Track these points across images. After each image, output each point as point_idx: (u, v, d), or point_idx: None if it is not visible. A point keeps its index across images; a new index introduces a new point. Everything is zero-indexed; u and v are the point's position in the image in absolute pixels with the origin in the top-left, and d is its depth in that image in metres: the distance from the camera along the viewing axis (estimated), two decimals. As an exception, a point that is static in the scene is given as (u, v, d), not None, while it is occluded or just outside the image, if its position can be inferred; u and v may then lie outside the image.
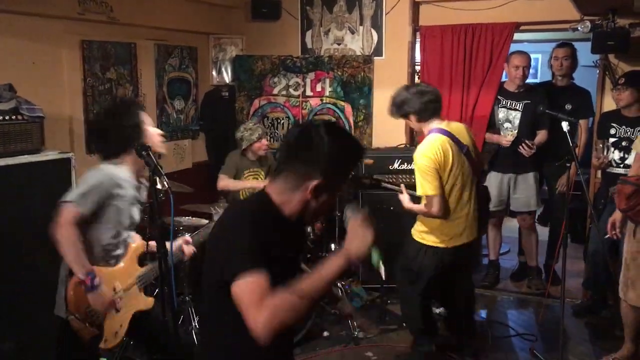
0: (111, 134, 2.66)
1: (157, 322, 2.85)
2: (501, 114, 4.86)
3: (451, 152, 3.43)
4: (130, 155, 2.65)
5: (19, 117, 3.32)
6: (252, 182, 4.62)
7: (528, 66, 4.77)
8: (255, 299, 1.56)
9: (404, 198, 3.67)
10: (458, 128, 3.60)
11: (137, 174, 2.73)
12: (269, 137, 5.63)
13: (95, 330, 2.56)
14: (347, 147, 1.81)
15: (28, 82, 3.70)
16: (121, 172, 2.65)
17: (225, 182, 4.54)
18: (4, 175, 3.17)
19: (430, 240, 3.60)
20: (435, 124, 3.51)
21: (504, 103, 4.86)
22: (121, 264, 2.74)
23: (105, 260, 2.68)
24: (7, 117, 3.24)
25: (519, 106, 4.79)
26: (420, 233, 3.65)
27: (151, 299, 2.86)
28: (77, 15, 4.09)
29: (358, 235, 1.70)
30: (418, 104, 3.48)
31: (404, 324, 4.18)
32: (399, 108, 3.55)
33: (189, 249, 3.03)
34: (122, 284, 2.70)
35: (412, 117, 3.54)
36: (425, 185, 3.41)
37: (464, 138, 3.56)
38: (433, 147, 3.41)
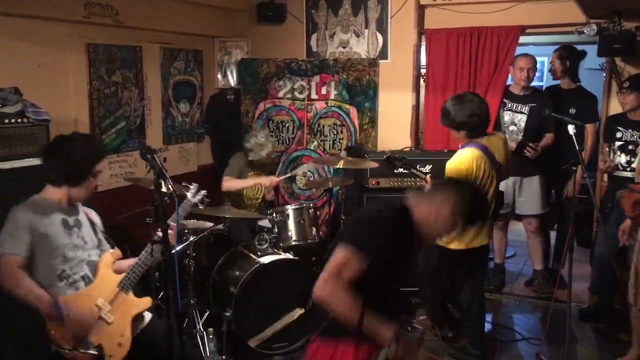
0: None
1: (157, 328, 2.84)
2: (507, 116, 4.85)
3: (483, 168, 3.53)
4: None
5: (25, 120, 3.33)
6: (255, 179, 4.63)
7: (533, 68, 4.75)
8: (336, 272, 2.04)
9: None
10: (496, 142, 3.67)
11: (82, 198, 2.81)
12: (274, 140, 5.64)
13: (92, 353, 2.56)
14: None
15: (34, 85, 3.71)
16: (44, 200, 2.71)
17: (229, 183, 4.56)
18: (9, 178, 3.18)
19: (447, 242, 3.65)
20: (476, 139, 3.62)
21: (509, 106, 4.84)
22: (94, 281, 2.74)
23: (70, 286, 2.68)
24: (12, 120, 3.25)
25: (525, 109, 4.77)
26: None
27: (147, 299, 2.85)
28: (82, 19, 4.10)
29: (410, 347, 2.07)
30: (471, 125, 3.58)
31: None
32: (451, 122, 3.64)
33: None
34: (103, 298, 2.70)
35: (462, 133, 3.63)
36: None
37: (499, 153, 3.65)
38: (464, 162, 3.51)
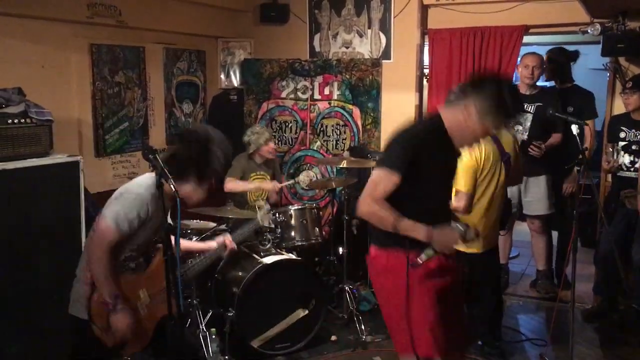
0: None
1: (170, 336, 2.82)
2: None
3: (492, 158, 3.53)
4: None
5: (28, 120, 3.33)
6: (258, 184, 4.63)
7: (538, 66, 4.72)
8: (369, 191, 2.34)
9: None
10: (507, 137, 3.68)
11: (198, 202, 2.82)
12: (276, 141, 5.64)
13: (117, 339, 2.52)
14: None
15: (37, 86, 3.72)
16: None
17: (232, 185, 4.55)
18: (12, 179, 3.18)
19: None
20: None
21: None
22: (148, 270, 2.69)
23: (123, 267, 2.63)
24: (16, 121, 3.26)
25: (531, 108, 4.75)
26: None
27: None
28: (86, 19, 4.12)
29: (446, 238, 2.35)
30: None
31: None
32: None
33: (231, 244, 3.16)
34: (147, 291, 2.66)
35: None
36: (461, 181, 3.49)
37: (509, 147, 3.66)
38: (480, 148, 3.51)
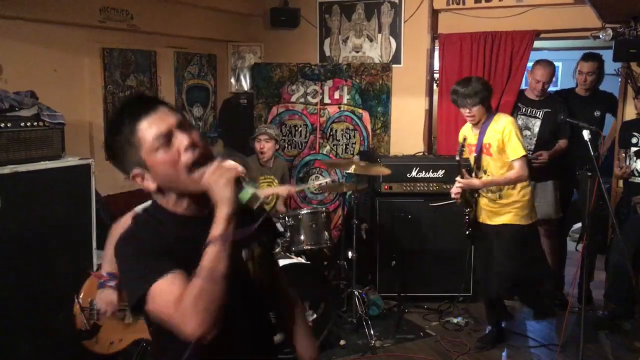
0: None
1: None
2: (520, 121, 4.81)
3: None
4: None
5: (40, 123, 3.35)
6: (272, 189, 4.63)
7: (549, 82, 4.69)
8: (175, 302, 1.38)
9: (473, 181, 3.85)
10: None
11: None
12: (286, 145, 5.65)
13: (86, 325, 2.61)
14: None
15: (50, 89, 3.75)
16: None
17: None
18: (25, 181, 3.20)
19: (529, 218, 3.92)
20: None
21: (523, 110, 4.81)
22: None
23: None
24: (28, 124, 3.28)
25: (539, 114, 4.73)
26: (522, 216, 3.87)
27: None
28: (98, 24, 4.14)
29: (214, 185, 1.43)
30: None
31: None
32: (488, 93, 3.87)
33: None
34: None
35: (485, 106, 3.84)
36: (519, 148, 3.69)
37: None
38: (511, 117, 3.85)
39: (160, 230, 1.54)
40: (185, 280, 1.39)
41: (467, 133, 4.01)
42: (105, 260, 2.60)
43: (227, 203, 1.41)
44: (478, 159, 3.92)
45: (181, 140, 1.48)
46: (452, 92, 3.90)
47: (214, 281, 1.37)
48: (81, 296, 2.64)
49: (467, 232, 4.03)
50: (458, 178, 3.84)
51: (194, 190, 1.49)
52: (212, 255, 1.39)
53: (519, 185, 3.84)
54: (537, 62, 4.72)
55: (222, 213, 1.41)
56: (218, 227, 1.41)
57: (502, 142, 3.74)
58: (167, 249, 1.46)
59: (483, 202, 3.97)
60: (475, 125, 3.91)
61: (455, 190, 3.87)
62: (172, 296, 1.38)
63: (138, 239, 1.53)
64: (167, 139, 1.48)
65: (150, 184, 1.53)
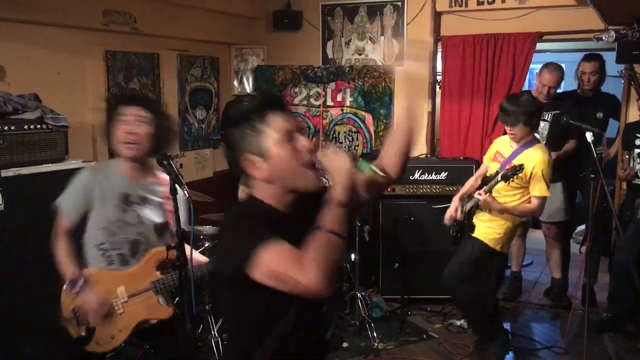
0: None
1: (183, 342, 2.79)
2: None
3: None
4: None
5: (44, 126, 3.36)
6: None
7: (556, 87, 4.69)
8: (293, 260, 1.50)
9: (494, 203, 3.71)
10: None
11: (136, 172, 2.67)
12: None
13: (80, 331, 2.58)
14: None
15: (53, 92, 3.76)
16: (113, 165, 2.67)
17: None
18: (28, 184, 3.21)
19: (502, 246, 3.81)
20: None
21: None
22: (132, 268, 2.65)
23: (105, 260, 2.64)
24: (32, 127, 3.29)
25: (547, 117, 4.72)
26: (497, 240, 3.79)
27: (169, 309, 2.72)
28: (101, 27, 4.16)
29: (334, 169, 1.58)
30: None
31: (471, 329, 4.29)
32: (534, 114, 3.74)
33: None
34: (129, 288, 2.62)
35: (529, 128, 3.73)
36: (544, 189, 3.67)
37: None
38: (548, 152, 3.75)
39: (270, 212, 1.67)
40: (296, 249, 1.52)
41: (504, 144, 3.90)
42: (64, 269, 2.60)
43: (346, 174, 1.55)
44: (499, 172, 3.75)
45: (303, 141, 1.66)
46: (499, 107, 3.80)
47: (335, 240, 1.51)
48: (62, 308, 2.61)
49: (455, 235, 3.99)
50: (481, 192, 3.68)
51: (300, 187, 1.66)
52: (334, 217, 1.52)
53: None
54: (545, 65, 4.71)
55: (341, 183, 1.54)
56: (338, 194, 1.54)
57: (529, 175, 3.63)
58: (276, 229, 1.57)
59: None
60: (514, 142, 3.80)
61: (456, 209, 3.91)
62: (290, 255, 1.50)
63: (253, 213, 1.68)
64: (291, 136, 1.64)
65: (261, 173, 1.66)
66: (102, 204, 2.61)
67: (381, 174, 1.64)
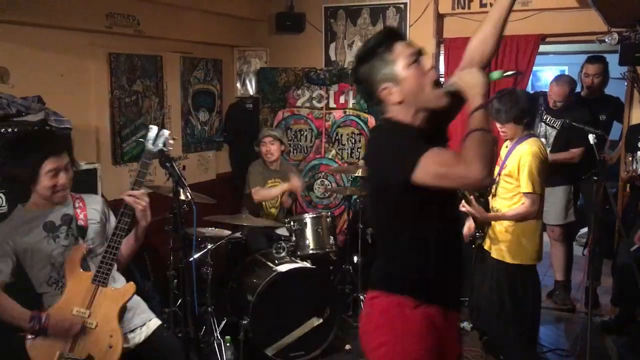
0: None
1: (167, 340, 2.75)
2: (542, 128, 4.80)
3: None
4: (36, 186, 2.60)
5: (47, 128, 3.37)
6: (282, 187, 4.64)
7: (562, 100, 4.68)
8: (454, 159, 1.76)
9: (478, 209, 3.46)
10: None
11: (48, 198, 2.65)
12: (291, 149, 5.66)
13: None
14: None
15: (56, 94, 3.77)
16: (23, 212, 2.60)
17: (262, 193, 4.57)
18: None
19: (528, 257, 3.43)
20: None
21: (544, 118, 4.80)
22: (67, 287, 2.59)
23: (62, 291, 2.60)
24: (35, 128, 3.30)
25: (557, 124, 4.72)
26: (516, 253, 3.42)
27: (130, 285, 2.66)
28: (104, 29, 4.17)
29: (467, 81, 1.87)
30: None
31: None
32: (520, 111, 3.47)
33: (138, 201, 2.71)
34: (79, 303, 2.55)
35: (522, 125, 3.49)
36: (536, 183, 3.32)
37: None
38: (539, 146, 3.43)
39: (411, 132, 1.89)
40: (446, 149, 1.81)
41: (503, 145, 3.68)
42: (16, 320, 2.49)
43: (482, 86, 1.84)
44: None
45: (426, 61, 1.93)
46: (490, 105, 3.46)
47: (487, 135, 1.77)
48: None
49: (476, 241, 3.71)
50: (464, 202, 3.43)
51: (431, 105, 1.90)
52: (481, 118, 1.79)
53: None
54: (555, 78, 4.72)
55: (478, 91, 1.82)
56: (477, 100, 1.81)
57: (517, 169, 3.39)
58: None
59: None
60: (507, 141, 3.60)
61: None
62: (451, 155, 1.77)
63: (400, 128, 1.90)
64: (416, 58, 1.89)
65: (395, 97, 1.89)
66: (32, 249, 2.56)
67: (509, 72, 2.02)
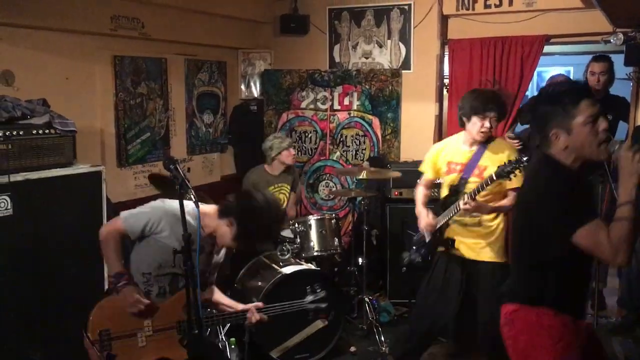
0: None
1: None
2: None
3: None
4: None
5: (52, 131, 3.37)
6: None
7: None
8: (606, 242, 2.02)
9: (485, 205, 3.38)
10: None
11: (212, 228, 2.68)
12: (296, 151, 5.66)
13: (102, 357, 2.50)
14: None
15: (61, 97, 3.78)
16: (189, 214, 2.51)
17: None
18: (36, 188, 3.23)
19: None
20: None
21: None
22: (164, 302, 2.64)
23: (145, 288, 2.63)
24: (40, 131, 3.30)
25: None
26: (502, 249, 3.44)
27: (183, 353, 2.62)
28: (109, 32, 4.18)
29: (630, 172, 2.09)
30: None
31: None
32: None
33: (255, 317, 2.87)
34: (156, 323, 2.61)
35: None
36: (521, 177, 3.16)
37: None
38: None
39: (572, 180, 2.17)
40: (603, 224, 2.06)
41: (454, 151, 3.53)
42: (109, 263, 2.65)
43: (637, 177, 2.06)
44: (463, 180, 3.43)
45: (603, 124, 2.17)
46: (482, 98, 3.37)
47: (634, 229, 2.02)
48: (89, 329, 2.53)
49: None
50: (465, 200, 3.26)
51: (592, 157, 2.19)
52: (630, 212, 2.04)
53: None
54: (550, 79, 4.71)
55: (631, 183, 2.07)
56: (628, 193, 2.07)
57: None
58: (581, 197, 2.15)
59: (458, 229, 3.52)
60: (473, 143, 3.45)
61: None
62: (604, 236, 2.03)
63: (562, 175, 2.18)
64: (595, 119, 2.16)
65: (561, 144, 2.17)
66: (164, 244, 2.60)
67: None
